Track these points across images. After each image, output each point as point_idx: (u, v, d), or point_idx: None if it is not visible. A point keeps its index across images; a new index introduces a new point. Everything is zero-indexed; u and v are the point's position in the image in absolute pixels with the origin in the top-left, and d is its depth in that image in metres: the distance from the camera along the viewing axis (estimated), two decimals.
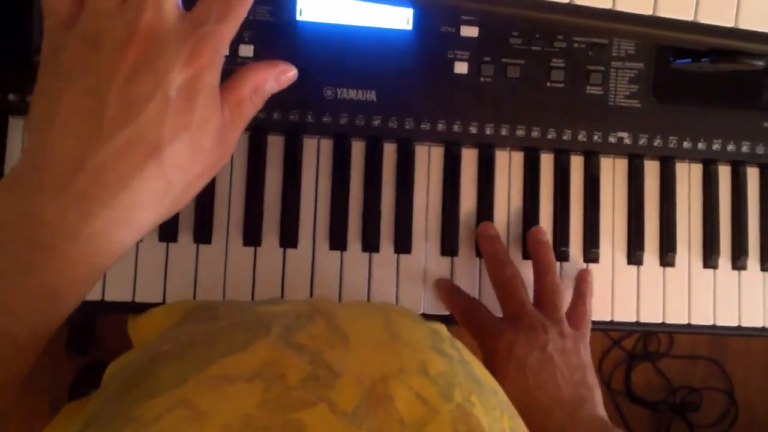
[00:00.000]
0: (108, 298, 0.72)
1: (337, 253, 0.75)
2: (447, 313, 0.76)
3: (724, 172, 0.81)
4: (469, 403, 0.42)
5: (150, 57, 0.44)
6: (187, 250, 0.73)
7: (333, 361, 0.42)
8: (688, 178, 0.81)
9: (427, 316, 0.76)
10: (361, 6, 0.74)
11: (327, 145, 0.76)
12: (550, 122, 0.77)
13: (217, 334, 0.46)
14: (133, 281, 0.72)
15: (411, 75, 0.76)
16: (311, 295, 0.74)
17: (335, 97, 0.75)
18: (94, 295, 0.71)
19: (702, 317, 0.80)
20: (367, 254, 0.76)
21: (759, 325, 0.81)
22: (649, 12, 0.63)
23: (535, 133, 0.77)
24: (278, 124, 0.74)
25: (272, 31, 0.74)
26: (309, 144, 0.76)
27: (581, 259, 0.79)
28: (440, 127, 0.76)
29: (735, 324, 0.81)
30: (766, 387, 1.93)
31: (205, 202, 0.73)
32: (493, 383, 0.49)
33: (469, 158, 0.78)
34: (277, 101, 0.69)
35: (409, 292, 0.76)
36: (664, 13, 0.63)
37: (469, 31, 0.76)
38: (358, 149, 0.76)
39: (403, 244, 0.76)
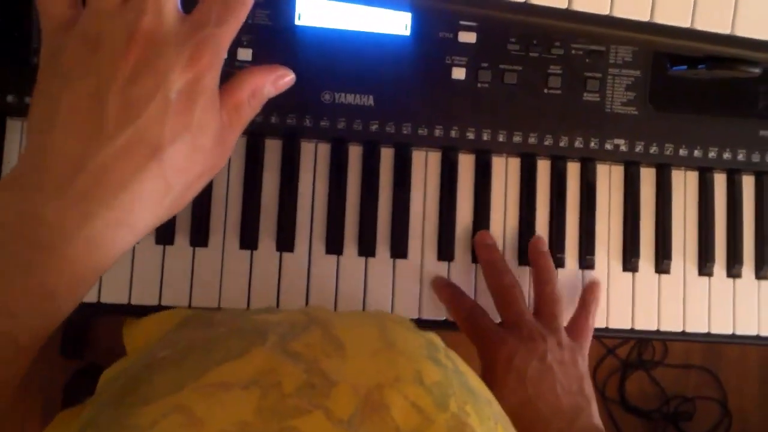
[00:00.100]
0: (104, 300, 0.72)
1: (334, 257, 0.75)
2: (443, 318, 0.76)
3: (720, 180, 0.82)
4: (464, 412, 0.42)
5: (150, 58, 0.45)
6: (183, 253, 0.73)
7: (329, 369, 0.42)
8: (684, 185, 0.81)
9: (423, 321, 0.76)
10: (359, 11, 0.74)
11: (324, 149, 0.76)
12: (547, 129, 0.77)
13: (214, 341, 0.46)
14: (130, 283, 0.72)
15: (409, 80, 0.76)
16: (307, 298, 0.74)
17: (333, 102, 0.75)
18: (90, 297, 0.71)
19: (697, 325, 0.80)
20: (363, 259, 0.76)
21: (753, 333, 0.81)
22: (646, 18, 0.64)
23: (532, 140, 0.77)
24: (276, 127, 0.74)
25: (271, 35, 0.74)
26: (306, 148, 0.76)
27: (577, 266, 0.79)
28: (437, 132, 0.76)
29: (729, 332, 0.81)
30: (760, 397, 1.93)
31: (202, 205, 0.73)
32: (488, 394, 0.49)
33: (466, 164, 0.78)
34: (275, 105, 0.69)
35: (406, 297, 0.76)
36: (660, 19, 0.63)
37: (467, 37, 0.76)
38: (355, 154, 0.76)
39: (399, 248, 0.76)
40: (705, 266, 0.80)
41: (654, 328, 0.79)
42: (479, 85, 0.76)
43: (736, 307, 0.81)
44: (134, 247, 0.72)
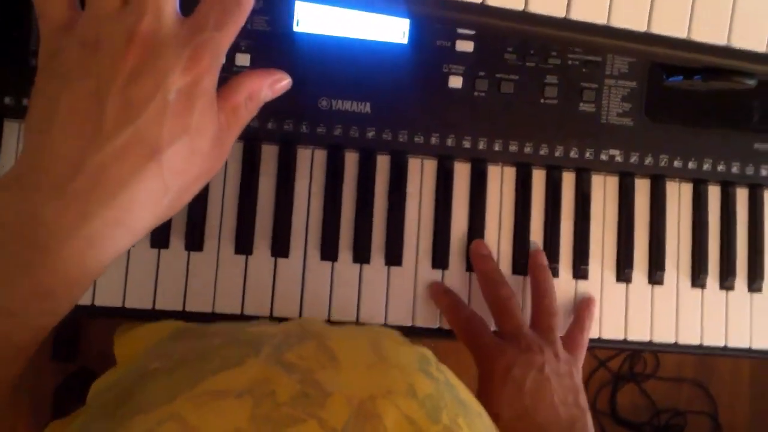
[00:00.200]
0: (98, 302, 0.72)
1: (328, 263, 0.75)
2: (436, 326, 0.76)
3: (714, 193, 0.82)
4: (456, 425, 0.42)
5: (149, 60, 0.45)
6: (178, 257, 0.73)
7: (323, 380, 0.42)
8: (678, 197, 0.81)
9: (416, 329, 0.76)
10: (357, 19, 0.74)
11: (321, 155, 0.76)
12: (542, 138, 0.78)
13: (208, 352, 0.46)
14: (124, 287, 0.72)
15: (406, 88, 0.76)
16: (301, 304, 0.74)
17: (330, 108, 0.75)
18: (84, 300, 0.71)
19: (689, 336, 0.80)
20: (358, 265, 0.76)
21: (745, 345, 0.81)
22: (643, 29, 0.64)
23: (527, 149, 0.78)
24: (273, 133, 0.75)
25: (269, 41, 0.74)
26: (303, 154, 0.76)
27: (570, 276, 0.79)
28: (434, 140, 0.76)
29: (722, 344, 0.81)
30: (751, 412, 1.93)
31: (197, 209, 0.73)
32: (479, 407, 0.49)
33: (461, 172, 0.78)
34: (272, 110, 0.70)
35: (399, 305, 0.76)
36: (657, 30, 0.64)
37: (465, 46, 0.76)
38: (351, 160, 0.77)
39: (394, 256, 0.76)
40: (698, 278, 0.80)
41: (647, 339, 0.79)
42: (476, 94, 0.77)
43: (729, 320, 0.81)
44: (129, 251, 0.72)
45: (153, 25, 0.45)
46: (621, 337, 0.80)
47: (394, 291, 0.76)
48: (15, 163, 0.46)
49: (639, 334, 0.80)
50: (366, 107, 0.75)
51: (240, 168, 0.75)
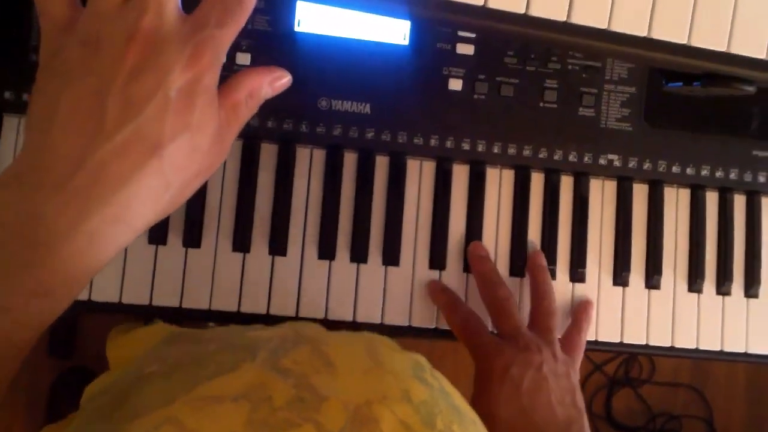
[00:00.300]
0: (95, 298, 0.72)
1: (326, 262, 0.75)
2: (433, 326, 0.76)
3: (712, 198, 0.82)
4: (451, 431, 0.42)
5: (151, 57, 0.45)
6: (175, 254, 0.73)
7: (318, 384, 0.42)
8: (676, 202, 0.82)
9: (413, 329, 0.76)
10: (358, 20, 0.74)
11: (320, 155, 0.76)
12: (541, 142, 0.78)
13: (204, 357, 0.46)
14: (121, 282, 0.72)
15: (406, 90, 0.76)
16: (298, 302, 0.74)
17: (330, 108, 0.75)
18: (81, 295, 0.70)
19: (685, 340, 0.80)
20: (355, 265, 0.76)
21: (741, 350, 0.81)
22: (643, 33, 0.64)
23: (526, 152, 0.78)
24: (272, 132, 0.75)
25: (270, 41, 0.74)
26: (302, 153, 0.76)
27: (568, 278, 0.79)
28: (433, 142, 0.76)
29: (717, 348, 0.81)
30: (747, 417, 1.93)
31: (196, 206, 0.73)
32: (473, 415, 0.49)
33: (460, 174, 0.78)
34: (271, 109, 0.70)
35: (396, 304, 0.76)
36: (658, 35, 0.64)
37: (465, 49, 0.76)
38: (350, 160, 0.77)
39: (391, 256, 0.76)
40: (695, 283, 0.81)
41: (643, 342, 0.80)
42: (476, 96, 0.77)
43: (725, 324, 0.81)
44: (126, 247, 0.72)
45: (154, 23, 0.45)
46: (617, 340, 0.80)
47: (391, 291, 0.76)
48: (14, 160, 0.46)
49: (635, 337, 0.80)
50: (366, 108, 0.75)
51: (239, 166, 0.75)
